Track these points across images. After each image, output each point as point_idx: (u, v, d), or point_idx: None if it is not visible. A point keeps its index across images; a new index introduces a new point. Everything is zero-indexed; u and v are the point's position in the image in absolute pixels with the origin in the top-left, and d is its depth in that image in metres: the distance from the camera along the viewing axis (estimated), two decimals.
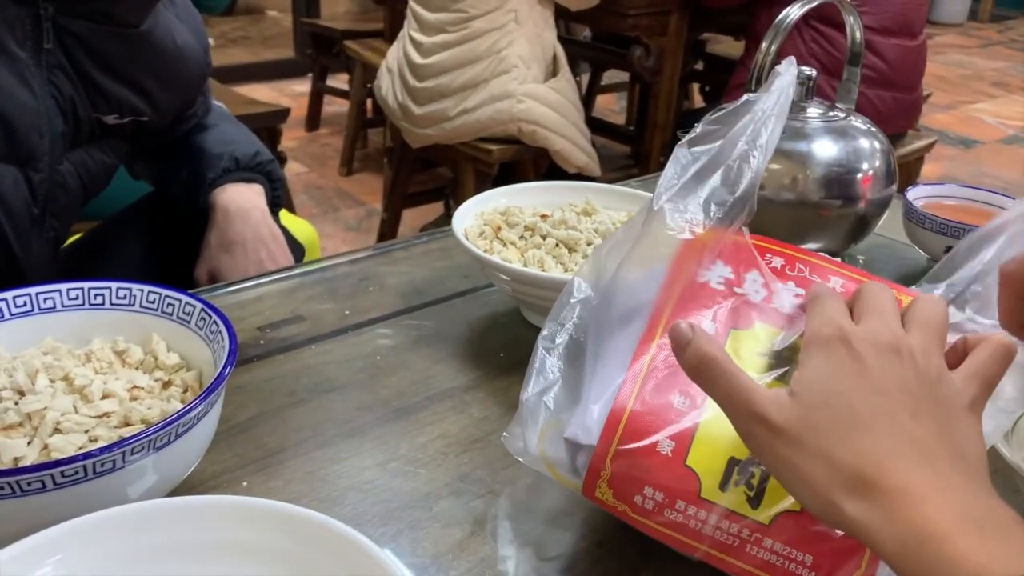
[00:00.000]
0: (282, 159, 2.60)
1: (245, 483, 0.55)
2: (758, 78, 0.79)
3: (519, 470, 0.57)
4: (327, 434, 0.60)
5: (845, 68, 0.88)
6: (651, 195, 0.78)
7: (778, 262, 0.51)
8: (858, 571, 0.43)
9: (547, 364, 0.52)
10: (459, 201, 2.45)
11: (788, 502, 0.45)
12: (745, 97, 0.54)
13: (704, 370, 0.40)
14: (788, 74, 0.54)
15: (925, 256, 0.90)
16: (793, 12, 0.78)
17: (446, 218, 2.73)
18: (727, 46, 3.09)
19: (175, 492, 0.51)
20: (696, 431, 0.46)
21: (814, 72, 0.84)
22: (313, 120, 3.73)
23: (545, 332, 0.52)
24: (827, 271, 0.51)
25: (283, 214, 1.46)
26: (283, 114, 2.48)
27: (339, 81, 3.72)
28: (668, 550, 0.46)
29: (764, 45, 0.79)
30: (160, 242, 1.05)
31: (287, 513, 0.41)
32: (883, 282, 0.48)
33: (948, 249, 0.83)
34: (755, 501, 0.45)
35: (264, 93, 3.90)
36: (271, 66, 4.46)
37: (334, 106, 3.80)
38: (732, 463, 0.45)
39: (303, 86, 4.10)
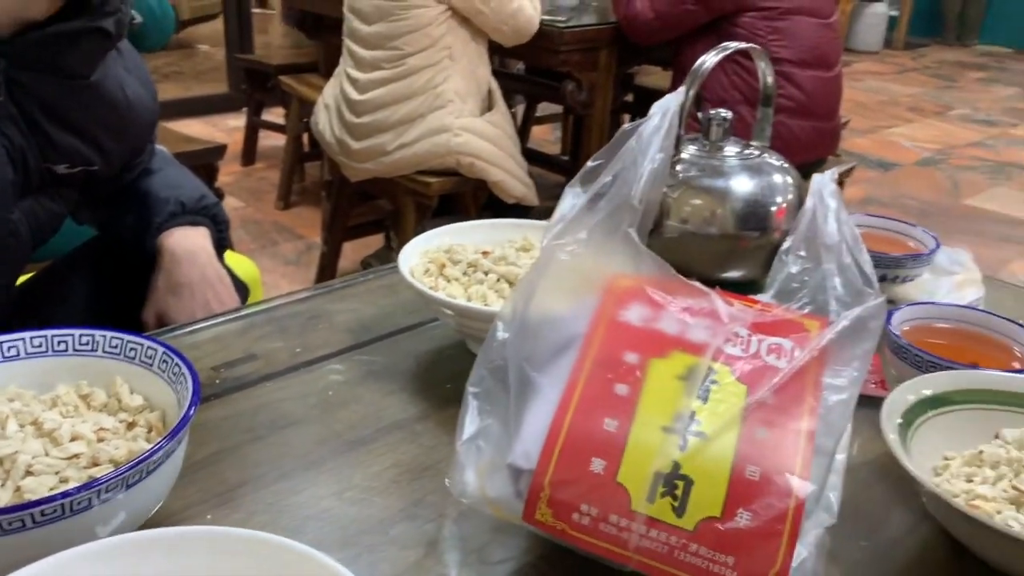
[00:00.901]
0: (219, 195, 2.60)
1: (209, 516, 0.58)
2: (679, 123, 0.86)
3: None
4: (285, 467, 0.63)
5: (759, 108, 0.95)
6: None
7: (689, 302, 0.58)
8: (773, 567, 0.48)
9: (476, 409, 0.56)
10: (400, 233, 2.49)
11: (710, 510, 0.50)
12: (624, 127, 0.61)
13: None
14: (670, 98, 0.61)
15: None
16: (709, 60, 0.85)
17: (387, 250, 2.76)
18: (656, 77, 3.20)
19: (142, 528, 0.53)
20: (625, 449, 0.51)
21: (729, 113, 0.91)
22: (249, 155, 3.73)
23: (472, 378, 0.57)
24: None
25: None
26: (220, 151, 2.50)
27: (274, 115, 3.74)
28: (606, 566, 0.51)
29: (683, 89, 0.85)
30: (107, 285, 1.07)
31: (258, 540, 0.44)
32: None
33: None
34: (680, 510, 0.50)
35: (198, 128, 3.90)
36: (204, 101, 4.45)
37: (270, 140, 3.80)
38: (657, 477, 0.50)
39: (237, 120, 4.10)
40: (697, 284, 0.59)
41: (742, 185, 0.88)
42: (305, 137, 3.29)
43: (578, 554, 0.53)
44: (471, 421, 0.56)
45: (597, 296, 0.58)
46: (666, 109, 0.63)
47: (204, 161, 2.48)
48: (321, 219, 3.09)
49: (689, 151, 0.90)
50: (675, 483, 0.50)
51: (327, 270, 2.68)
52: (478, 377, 0.57)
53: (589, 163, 0.61)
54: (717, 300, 0.57)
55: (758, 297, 0.60)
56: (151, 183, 1.04)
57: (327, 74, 2.51)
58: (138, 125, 0.95)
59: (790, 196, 0.90)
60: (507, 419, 0.55)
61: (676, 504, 0.50)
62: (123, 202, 1.03)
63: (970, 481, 0.59)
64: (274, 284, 2.67)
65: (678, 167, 0.88)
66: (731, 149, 0.91)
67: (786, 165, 0.93)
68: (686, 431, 0.52)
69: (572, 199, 0.62)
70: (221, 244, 1.07)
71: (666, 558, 0.50)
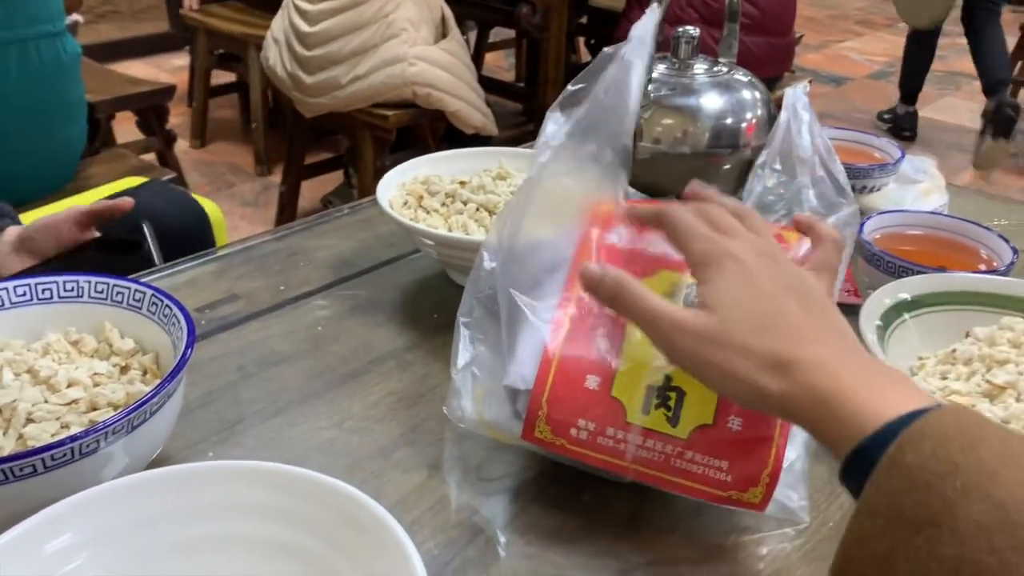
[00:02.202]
0: (171, 137, 2.54)
1: (211, 454, 0.59)
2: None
3: None
4: (281, 402, 0.64)
5: (725, 24, 0.95)
6: None
7: None
8: (765, 469, 0.51)
9: (468, 337, 0.57)
10: (359, 169, 2.46)
11: (702, 418, 0.52)
12: (605, 50, 0.61)
13: (622, 297, 0.47)
14: (647, 21, 0.60)
15: None
16: None
17: (347, 187, 2.73)
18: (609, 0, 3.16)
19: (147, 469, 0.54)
20: (617, 366, 0.53)
21: (697, 31, 0.91)
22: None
23: (462, 308, 0.58)
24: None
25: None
26: (168, 92, 2.43)
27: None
28: (602, 478, 0.53)
29: (657, 7, 0.85)
30: None
31: (266, 471, 0.45)
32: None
33: None
34: (674, 420, 0.52)
35: (142, 70, 3.77)
36: (146, 41, 4.30)
37: (217, 79, 3.69)
38: (650, 390, 0.52)
39: (182, 60, 3.97)
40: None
41: (713, 102, 0.88)
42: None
43: (575, 468, 0.55)
44: (464, 349, 0.57)
45: (582, 220, 0.59)
46: (645, 33, 0.63)
47: (153, 103, 2.41)
48: (254, 154, 3.07)
49: (659, 70, 0.89)
50: (667, 395, 0.52)
51: (287, 210, 2.65)
52: (468, 307, 0.58)
53: (570, 87, 0.61)
54: None
55: None
56: None
57: (255, 3, 2.43)
58: None
59: (759, 112, 0.91)
60: (499, 345, 0.56)
61: (670, 415, 0.52)
62: None
63: (944, 378, 0.62)
64: (233, 226, 2.63)
65: (649, 87, 0.88)
66: (700, 67, 0.91)
67: (754, 80, 0.93)
68: None
69: (554, 125, 0.62)
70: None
71: (662, 466, 0.52)
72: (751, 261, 0.46)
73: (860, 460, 0.38)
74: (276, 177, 3.07)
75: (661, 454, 0.52)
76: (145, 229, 1.00)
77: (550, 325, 0.54)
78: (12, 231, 0.95)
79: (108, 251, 0.95)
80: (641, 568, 0.51)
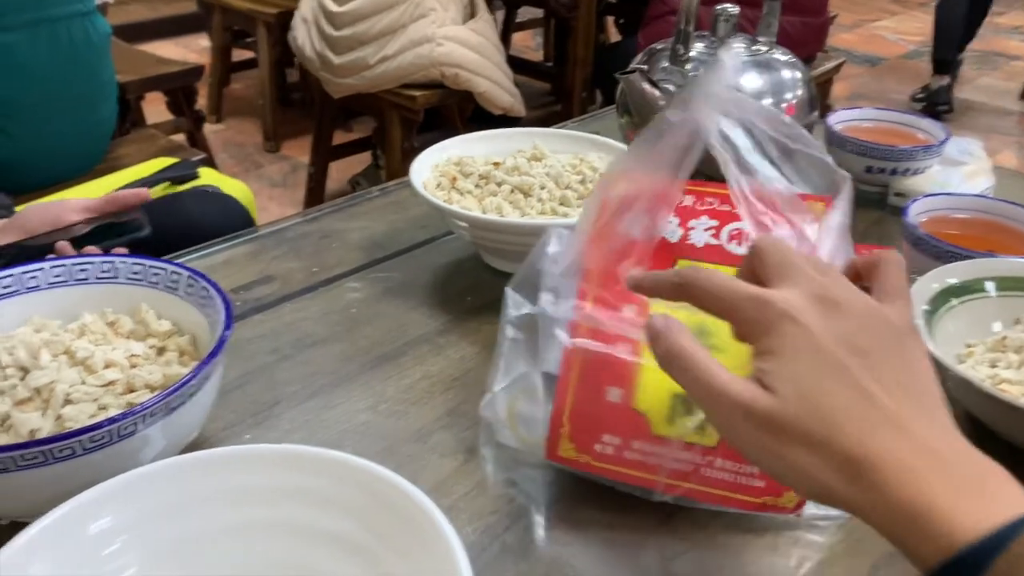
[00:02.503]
0: (200, 117, 2.55)
1: (248, 436, 0.59)
2: (686, 20, 0.84)
3: None
4: (316, 385, 0.64)
5: (765, 3, 0.93)
6: (594, 136, 0.82)
7: (689, 200, 0.55)
8: None
9: (512, 353, 0.54)
10: (386, 150, 2.46)
11: None
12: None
13: (677, 363, 0.40)
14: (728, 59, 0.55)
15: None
16: None
17: (375, 168, 2.73)
18: None
19: (182, 453, 0.54)
20: (638, 378, 0.50)
21: (736, 8, 0.89)
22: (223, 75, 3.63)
23: (505, 319, 0.54)
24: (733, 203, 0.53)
25: (216, 175, 1.46)
26: (197, 72, 2.43)
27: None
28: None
29: None
30: None
31: (304, 455, 0.44)
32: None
33: (868, 169, 0.90)
34: (700, 428, 0.50)
35: (170, 50, 3.78)
36: (174, 21, 4.30)
37: (243, 59, 3.70)
38: (674, 399, 0.50)
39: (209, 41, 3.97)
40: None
41: (752, 82, 0.87)
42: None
43: None
44: (506, 367, 0.54)
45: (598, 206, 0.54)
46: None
47: (181, 84, 2.41)
48: (262, 130, 3.07)
49: (697, 48, 0.88)
50: (692, 402, 0.50)
51: (315, 191, 2.65)
52: (514, 321, 0.55)
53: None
54: (713, 199, 0.55)
55: None
56: None
57: None
58: None
59: (800, 92, 0.89)
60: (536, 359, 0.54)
61: (696, 422, 0.50)
62: None
63: (994, 367, 0.60)
64: (262, 207, 2.63)
65: (687, 66, 0.86)
66: (739, 46, 0.89)
67: (794, 59, 0.91)
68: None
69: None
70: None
71: (693, 476, 0.50)
72: (811, 319, 0.38)
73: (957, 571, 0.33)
74: (286, 152, 3.08)
75: (691, 464, 0.50)
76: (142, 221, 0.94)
77: (566, 331, 0.52)
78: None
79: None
80: (682, 556, 0.50)
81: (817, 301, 0.39)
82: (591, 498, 0.54)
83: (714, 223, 0.54)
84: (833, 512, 0.51)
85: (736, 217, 0.54)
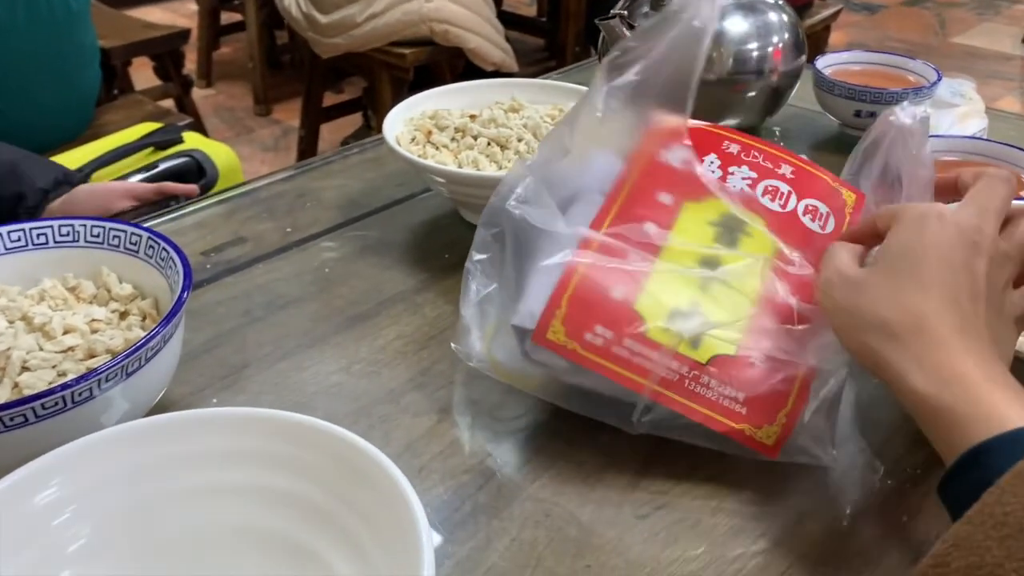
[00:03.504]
0: (189, 82, 2.51)
1: (215, 400, 0.57)
2: None
3: None
4: (288, 346, 0.62)
5: None
6: (575, 86, 0.80)
7: (735, 148, 0.56)
8: (783, 409, 0.48)
9: (480, 273, 0.55)
10: (377, 110, 2.42)
11: (724, 347, 0.49)
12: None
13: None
14: None
15: (836, 122, 0.94)
16: None
17: (366, 129, 2.69)
18: None
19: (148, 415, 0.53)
20: (646, 283, 0.50)
21: None
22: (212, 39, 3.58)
23: (476, 242, 0.55)
24: (779, 159, 0.56)
25: (200, 139, 1.43)
26: (184, 36, 2.39)
27: None
28: (614, 426, 0.51)
29: None
30: None
31: (265, 418, 0.43)
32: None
33: (857, 113, 0.88)
34: (695, 343, 0.49)
35: (158, 15, 3.73)
36: None
37: (233, 21, 3.64)
38: (675, 312, 0.50)
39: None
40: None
41: (737, 26, 0.84)
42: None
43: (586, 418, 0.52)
44: (475, 286, 0.55)
45: (631, 143, 0.56)
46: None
47: (169, 48, 2.37)
48: (252, 94, 3.04)
49: None
50: (692, 318, 0.50)
51: (306, 154, 2.62)
52: (481, 241, 0.55)
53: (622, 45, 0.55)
54: (759, 153, 0.56)
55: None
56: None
57: None
58: None
59: (786, 36, 0.86)
60: (510, 283, 0.54)
61: (691, 337, 0.49)
62: None
63: None
64: (254, 172, 2.61)
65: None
66: None
67: (780, 3, 0.88)
68: (710, 274, 0.51)
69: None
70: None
71: (676, 386, 0.49)
72: (953, 233, 0.43)
73: (976, 462, 0.35)
74: (277, 116, 3.05)
75: (676, 373, 0.49)
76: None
77: (579, 240, 0.52)
78: (58, 201, 0.96)
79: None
80: (657, 513, 0.49)
81: (969, 233, 0.43)
82: (565, 455, 0.52)
83: (753, 175, 0.55)
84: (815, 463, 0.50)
85: (777, 176, 0.55)
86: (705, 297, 0.50)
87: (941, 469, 0.38)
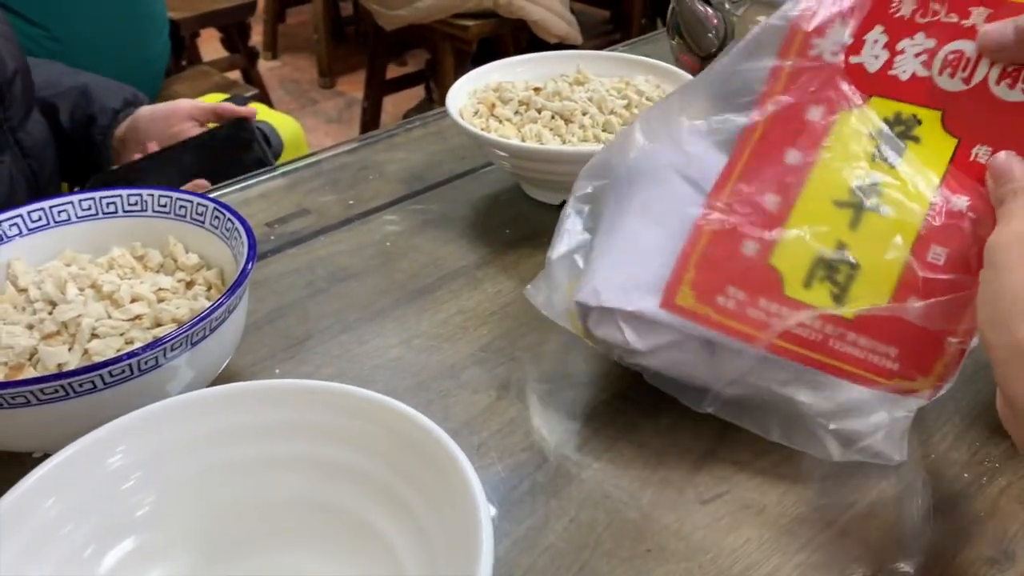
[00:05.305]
0: (254, 54, 2.54)
1: (277, 371, 0.58)
2: None
3: (538, 337, 0.59)
4: (349, 319, 0.62)
5: None
6: (641, 58, 0.78)
7: (907, 9, 0.46)
8: (941, 359, 0.44)
9: (575, 223, 0.52)
10: (440, 84, 2.42)
11: (875, 299, 0.44)
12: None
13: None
14: None
15: None
16: None
17: (428, 102, 2.69)
18: None
19: (212, 385, 0.53)
20: (782, 235, 0.46)
21: None
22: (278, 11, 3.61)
23: (577, 187, 0.52)
24: (966, 3, 0.44)
25: (266, 110, 1.45)
26: (250, 7, 2.42)
27: None
28: (683, 405, 0.49)
29: None
30: None
31: (331, 391, 0.43)
32: None
33: None
34: (840, 297, 0.45)
35: None
36: None
37: None
38: (818, 261, 0.45)
39: None
40: None
41: None
42: None
43: (654, 389, 0.51)
44: (569, 233, 0.52)
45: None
46: None
47: (236, 19, 2.41)
48: (317, 66, 3.06)
49: None
50: (838, 266, 0.45)
51: (369, 126, 2.63)
52: (583, 189, 0.52)
53: None
54: (941, 5, 0.45)
55: None
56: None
57: None
58: None
59: None
60: (605, 238, 0.51)
61: (836, 291, 0.45)
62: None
63: None
64: (318, 144, 2.63)
65: None
66: None
67: None
68: (863, 204, 0.45)
69: None
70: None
71: (820, 347, 0.45)
72: None
73: None
74: (341, 88, 3.06)
75: (819, 334, 0.45)
76: (255, 128, 1.02)
77: (704, 198, 0.48)
78: (124, 124, 1.04)
79: (216, 146, 0.98)
80: (720, 498, 0.48)
81: None
82: (627, 437, 0.52)
83: (930, 43, 0.45)
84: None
85: (962, 32, 0.43)
86: (855, 235, 0.45)
87: (1019, 462, 0.37)
